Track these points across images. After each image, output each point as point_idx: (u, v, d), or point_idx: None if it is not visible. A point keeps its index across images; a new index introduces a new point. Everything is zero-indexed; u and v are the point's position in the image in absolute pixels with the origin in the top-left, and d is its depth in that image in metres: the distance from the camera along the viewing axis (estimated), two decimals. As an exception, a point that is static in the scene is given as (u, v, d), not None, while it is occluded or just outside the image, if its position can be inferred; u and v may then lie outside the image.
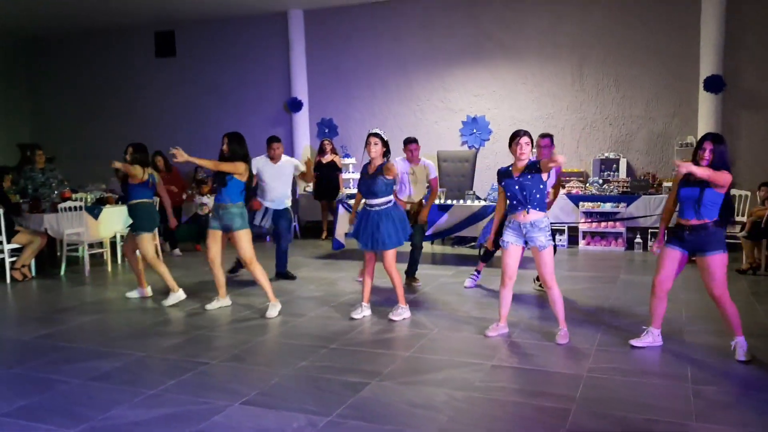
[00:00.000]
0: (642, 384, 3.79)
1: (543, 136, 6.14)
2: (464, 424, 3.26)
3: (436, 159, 9.49)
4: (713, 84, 9.07)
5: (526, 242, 4.65)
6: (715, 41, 9.09)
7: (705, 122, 9.25)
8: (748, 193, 8.29)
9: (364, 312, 5.42)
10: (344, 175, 10.48)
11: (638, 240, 8.89)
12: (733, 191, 8.45)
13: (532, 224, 4.57)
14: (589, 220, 9.07)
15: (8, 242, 7.24)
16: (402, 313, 5.36)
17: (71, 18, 11.83)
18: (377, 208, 5.27)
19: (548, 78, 10.15)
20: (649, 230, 8.91)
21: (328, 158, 10.21)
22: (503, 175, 4.73)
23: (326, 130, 11.50)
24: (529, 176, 4.58)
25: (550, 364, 4.19)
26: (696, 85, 9.31)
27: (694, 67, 9.31)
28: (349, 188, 10.37)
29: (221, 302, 5.84)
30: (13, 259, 7.35)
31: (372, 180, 5.24)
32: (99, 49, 13.07)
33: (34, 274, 7.60)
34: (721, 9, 9.03)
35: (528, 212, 4.57)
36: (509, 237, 4.69)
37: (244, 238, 5.57)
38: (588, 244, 9.11)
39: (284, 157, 6.97)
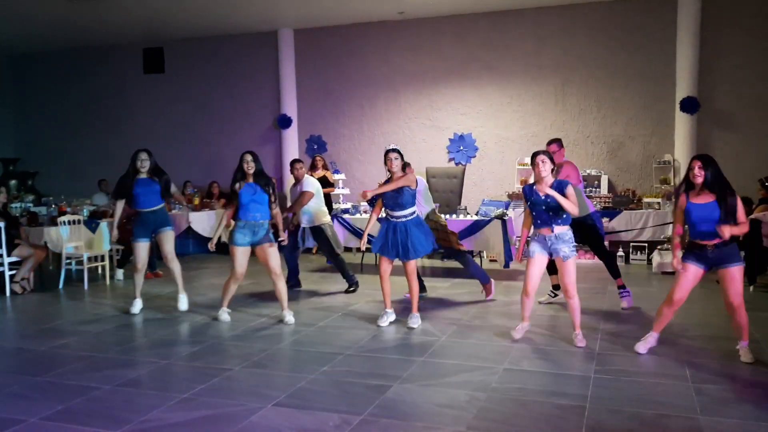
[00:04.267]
0: (647, 384, 4.07)
1: (550, 142, 6.28)
2: (491, 421, 3.49)
3: (425, 174, 9.76)
4: (689, 105, 9.57)
5: (550, 253, 4.95)
6: (690, 65, 9.61)
7: (681, 141, 9.74)
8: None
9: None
10: (335, 191, 10.66)
11: (621, 253, 9.26)
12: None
13: (557, 237, 4.89)
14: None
15: (8, 255, 7.26)
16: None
17: (59, 35, 11.84)
18: (403, 219, 5.52)
19: (532, 98, 10.56)
20: (631, 244, 9.31)
21: (319, 173, 10.40)
22: (529, 193, 4.99)
23: (315, 147, 11.71)
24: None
25: (558, 367, 4.45)
26: (672, 106, 9.80)
27: (671, 89, 9.81)
28: (339, 204, 10.55)
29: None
30: (13, 272, 7.36)
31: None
32: (87, 65, 13.09)
33: (32, 287, 7.61)
34: (695, 35, 9.55)
35: (552, 229, 4.89)
36: (535, 248, 4.99)
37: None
38: (573, 257, 9.43)
39: (307, 177, 7.25)
